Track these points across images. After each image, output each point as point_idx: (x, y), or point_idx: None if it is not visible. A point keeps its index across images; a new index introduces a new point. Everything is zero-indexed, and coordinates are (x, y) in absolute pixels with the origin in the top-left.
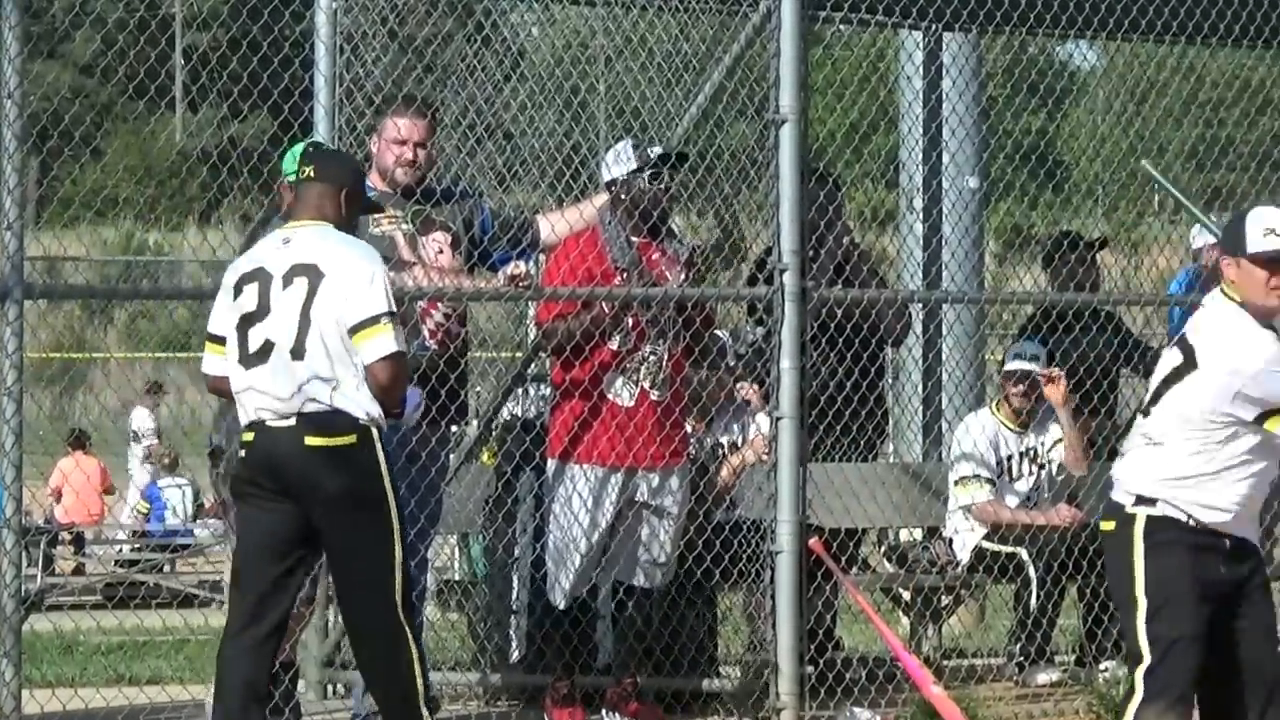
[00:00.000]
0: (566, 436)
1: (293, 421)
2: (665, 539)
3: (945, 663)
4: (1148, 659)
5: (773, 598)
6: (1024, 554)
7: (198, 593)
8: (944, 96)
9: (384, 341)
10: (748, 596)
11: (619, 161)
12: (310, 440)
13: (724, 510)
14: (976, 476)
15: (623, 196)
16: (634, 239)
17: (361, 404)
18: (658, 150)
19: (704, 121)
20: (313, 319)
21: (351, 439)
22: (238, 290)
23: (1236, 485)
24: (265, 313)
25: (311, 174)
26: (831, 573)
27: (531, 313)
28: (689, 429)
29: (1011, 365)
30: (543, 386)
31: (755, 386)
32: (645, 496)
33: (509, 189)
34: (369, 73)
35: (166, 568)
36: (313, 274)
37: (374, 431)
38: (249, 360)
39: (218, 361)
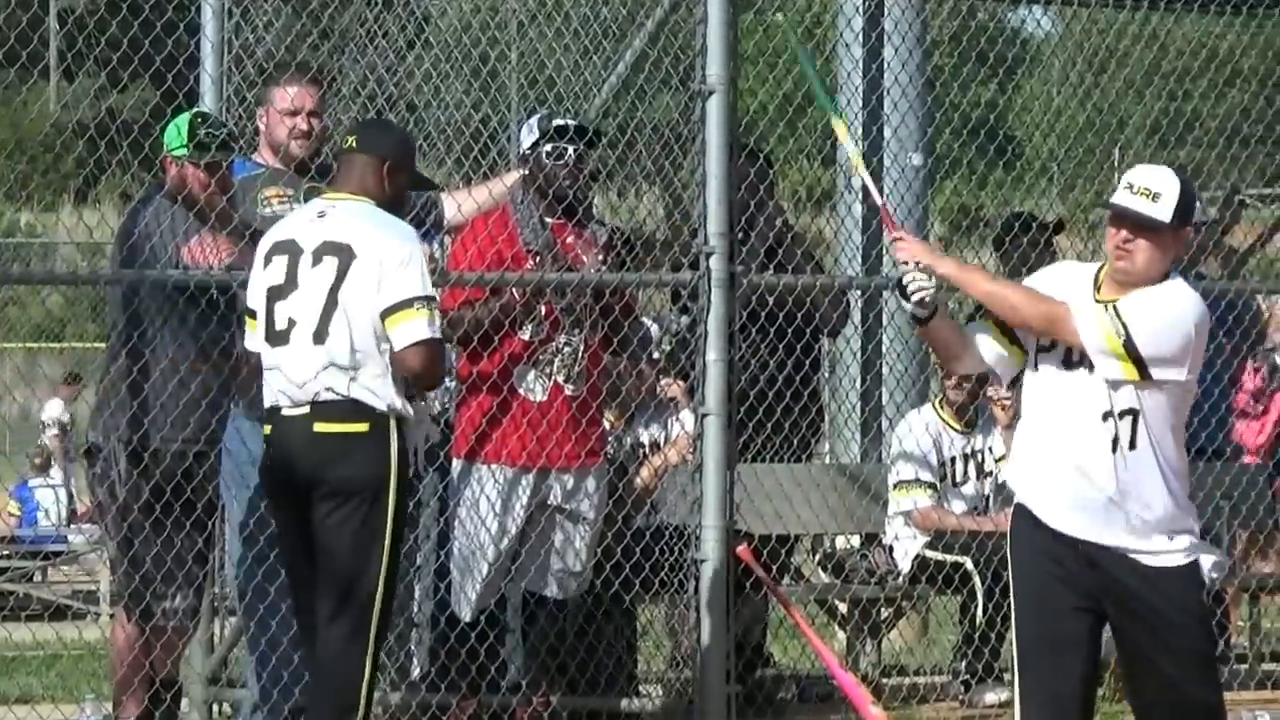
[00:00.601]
0: (473, 434)
1: (305, 409)
2: (580, 546)
3: (885, 681)
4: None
5: (697, 610)
6: (969, 563)
7: (71, 604)
8: (885, 66)
9: (417, 327)
10: (670, 609)
11: (529, 134)
12: (319, 427)
13: (644, 515)
14: (918, 479)
15: (535, 173)
16: (547, 219)
17: (383, 394)
18: (558, 121)
19: (624, 92)
20: (340, 302)
21: (363, 427)
22: (267, 260)
23: (1046, 460)
24: (292, 288)
25: (354, 144)
26: (761, 583)
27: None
28: (607, 426)
29: None
30: (448, 380)
31: (679, 381)
32: (559, 500)
33: None
34: (260, 38)
35: (37, 576)
36: (344, 254)
37: (392, 422)
38: (274, 338)
39: (253, 338)
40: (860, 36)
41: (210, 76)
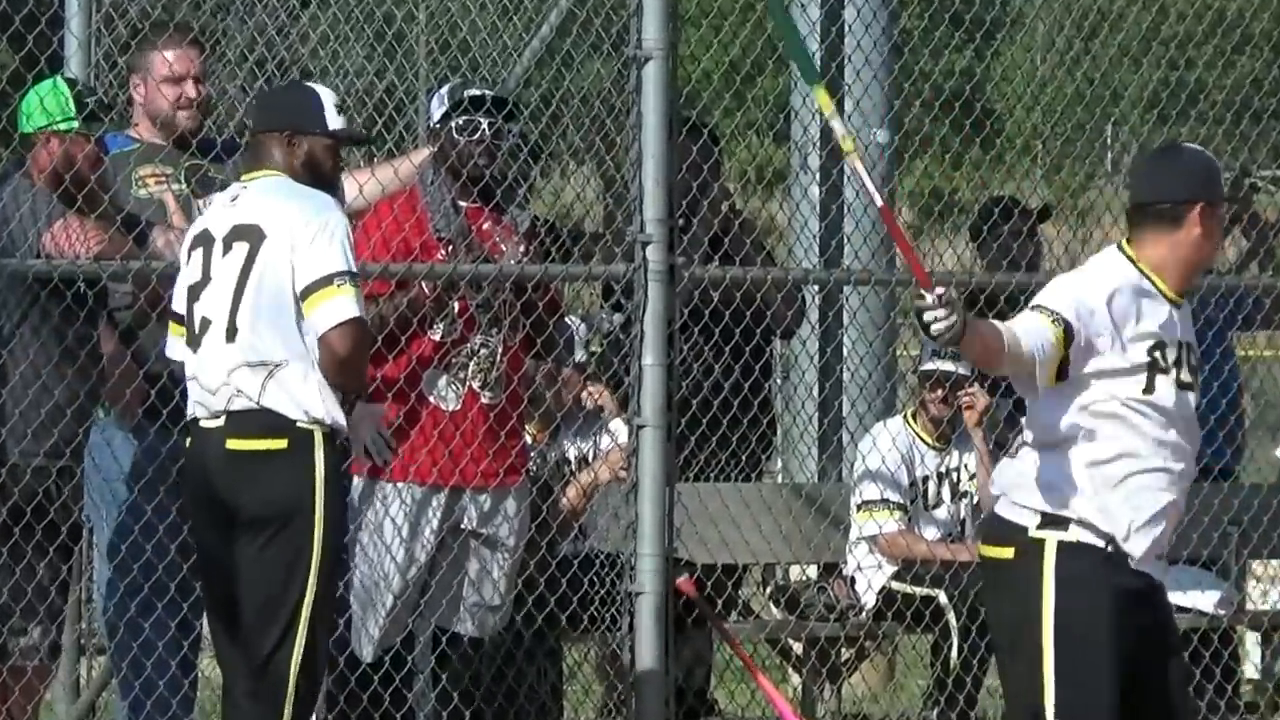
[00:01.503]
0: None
1: (220, 421)
2: (499, 576)
3: None
4: None
5: (631, 649)
6: (942, 597)
7: None
8: (847, 30)
9: (340, 305)
10: (601, 647)
11: (439, 105)
12: (232, 444)
13: (572, 541)
14: (885, 501)
15: (447, 151)
16: (461, 203)
17: (302, 400)
18: (472, 91)
19: (549, 59)
20: (247, 291)
21: (282, 443)
22: (188, 256)
23: (1146, 492)
24: (205, 284)
25: (252, 123)
26: (704, 619)
27: None
28: (528, 440)
29: (929, 365)
30: None
31: (608, 389)
32: (474, 523)
33: None
34: None
35: None
36: (254, 236)
37: (316, 435)
38: (193, 342)
39: (176, 345)
40: None
41: (77, 38)
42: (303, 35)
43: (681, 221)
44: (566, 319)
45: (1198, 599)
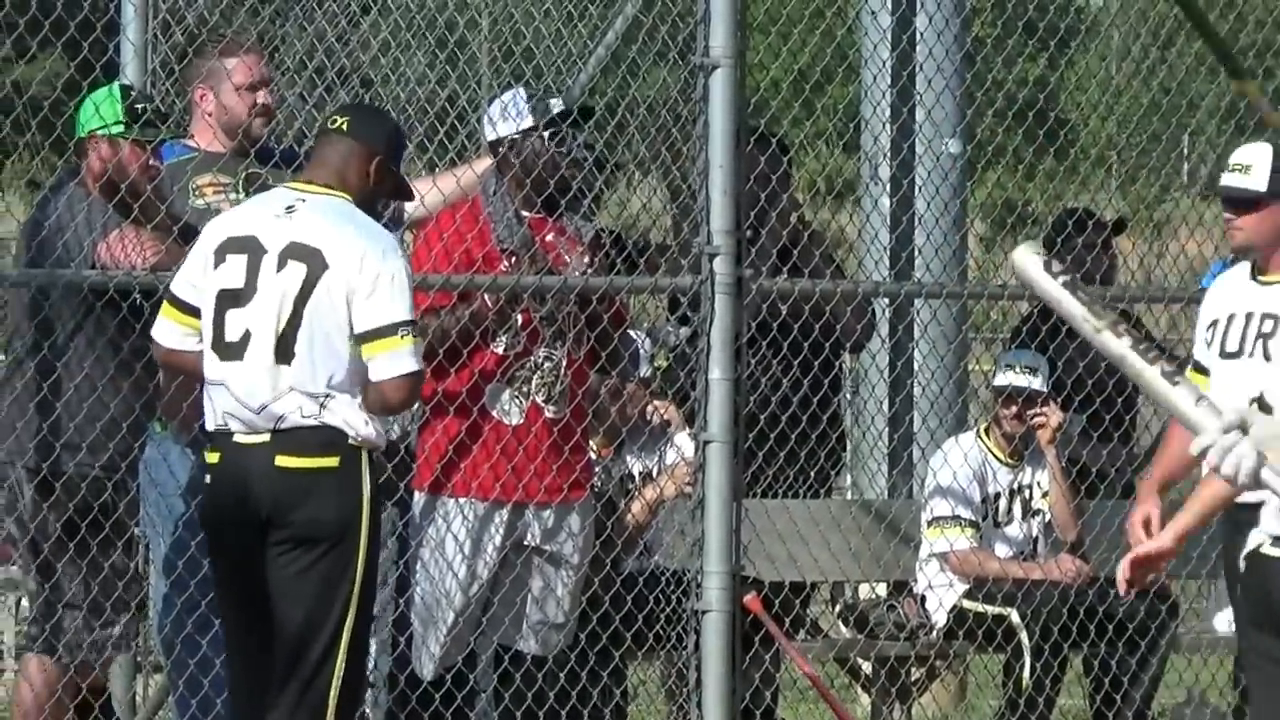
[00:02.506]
0: (439, 463)
1: (266, 437)
2: (562, 594)
3: None
4: None
5: (698, 668)
6: (1015, 616)
7: None
8: (918, 38)
9: (402, 357)
10: (666, 666)
11: (508, 116)
12: (282, 460)
13: (637, 558)
14: (956, 518)
15: (512, 160)
16: (524, 214)
17: (353, 421)
18: (559, 105)
19: (614, 67)
20: (306, 318)
21: (334, 461)
22: (220, 256)
23: None
24: (251, 295)
25: (345, 126)
26: (771, 638)
27: None
28: (593, 455)
29: (1002, 379)
30: None
31: (673, 404)
32: (537, 540)
33: None
34: (190, 2)
35: None
36: (315, 262)
37: (364, 456)
38: (225, 350)
39: (173, 331)
40: (888, 3)
41: (133, 45)
42: (363, 42)
43: (749, 233)
44: (631, 333)
45: None
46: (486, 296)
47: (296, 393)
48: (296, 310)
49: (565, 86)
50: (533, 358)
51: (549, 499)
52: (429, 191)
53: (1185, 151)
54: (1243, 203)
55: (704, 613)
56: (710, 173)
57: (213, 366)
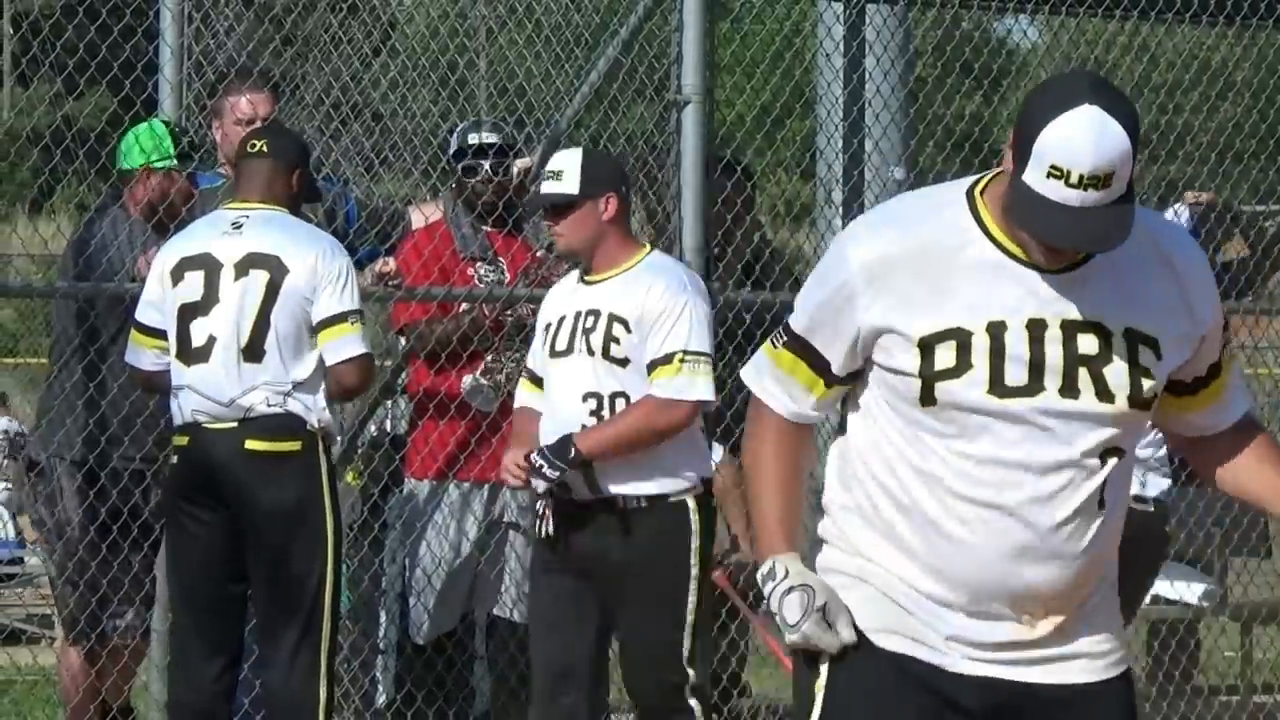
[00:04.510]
0: (440, 453)
1: (234, 424)
2: None
3: None
4: None
5: None
6: None
7: (26, 628)
8: (867, 76)
9: (351, 343)
10: None
11: (452, 142)
12: (251, 444)
13: None
14: None
15: (464, 181)
16: (480, 227)
17: (314, 408)
18: (473, 139)
19: (597, 102)
20: (274, 319)
21: (296, 445)
22: (177, 276)
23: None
24: (212, 304)
25: (264, 149)
26: (738, 610)
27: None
28: None
29: None
30: (400, 400)
31: None
32: (514, 515)
33: (378, 176)
34: (221, 44)
35: None
36: (275, 267)
37: (321, 440)
38: (190, 356)
39: (144, 355)
40: (841, 46)
41: (169, 83)
42: (374, 81)
43: (717, 250)
44: None
45: (1184, 592)
46: (483, 306)
47: (266, 386)
48: (263, 313)
49: (554, 120)
50: (506, 352)
51: None
52: (432, 214)
53: None
54: (559, 208)
55: None
56: (682, 197)
57: (179, 372)
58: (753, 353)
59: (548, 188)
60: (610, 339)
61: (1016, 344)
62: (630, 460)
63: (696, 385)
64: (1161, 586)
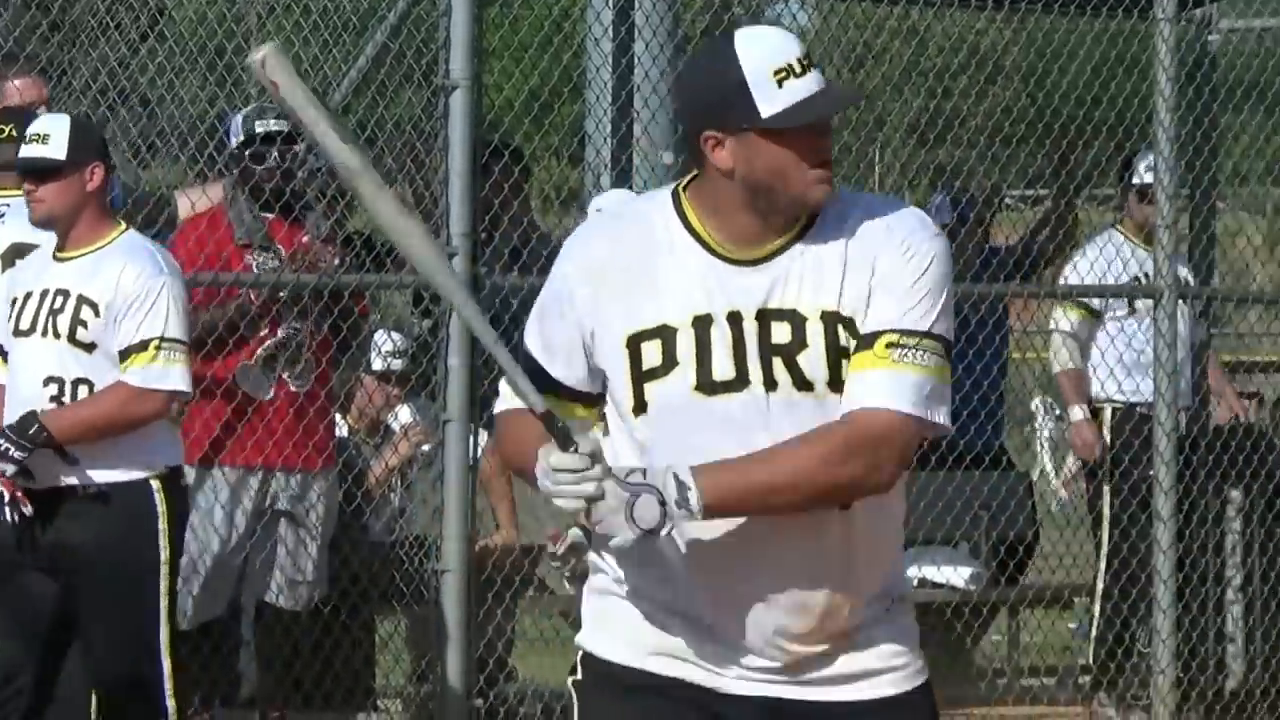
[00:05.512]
0: (208, 440)
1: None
2: (310, 552)
3: None
4: None
5: (438, 622)
6: None
7: None
8: (636, 61)
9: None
10: (410, 620)
11: (234, 133)
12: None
13: (384, 522)
14: None
15: (249, 168)
16: (260, 214)
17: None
18: (259, 127)
19: (366, 88)
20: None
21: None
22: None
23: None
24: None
25: (13, 134)
26: (504, 595)
27: None
28: (345, 432)
29: None
30: None
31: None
32: (286, 504)
33: (146, 162)
34: None
35: None
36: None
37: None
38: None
39: None
40: (610, 30)
41: None
42: (142, 66)
43: (485, 235)
44: (379, 332)
45: (951, 575)
46: (251, 293)
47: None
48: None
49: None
50: (278, 338)
51: (300, 466)
52: (199, 200)
53: (874, 162)
54: (42, 172)
55: (444, 572)
56: (450, 182)
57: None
58: (520, 339)
59: (32, 151)
60: (78, 322)
61: (719, 339)
62: (90, 447)
63: (172, 374)
64: (929, 570)
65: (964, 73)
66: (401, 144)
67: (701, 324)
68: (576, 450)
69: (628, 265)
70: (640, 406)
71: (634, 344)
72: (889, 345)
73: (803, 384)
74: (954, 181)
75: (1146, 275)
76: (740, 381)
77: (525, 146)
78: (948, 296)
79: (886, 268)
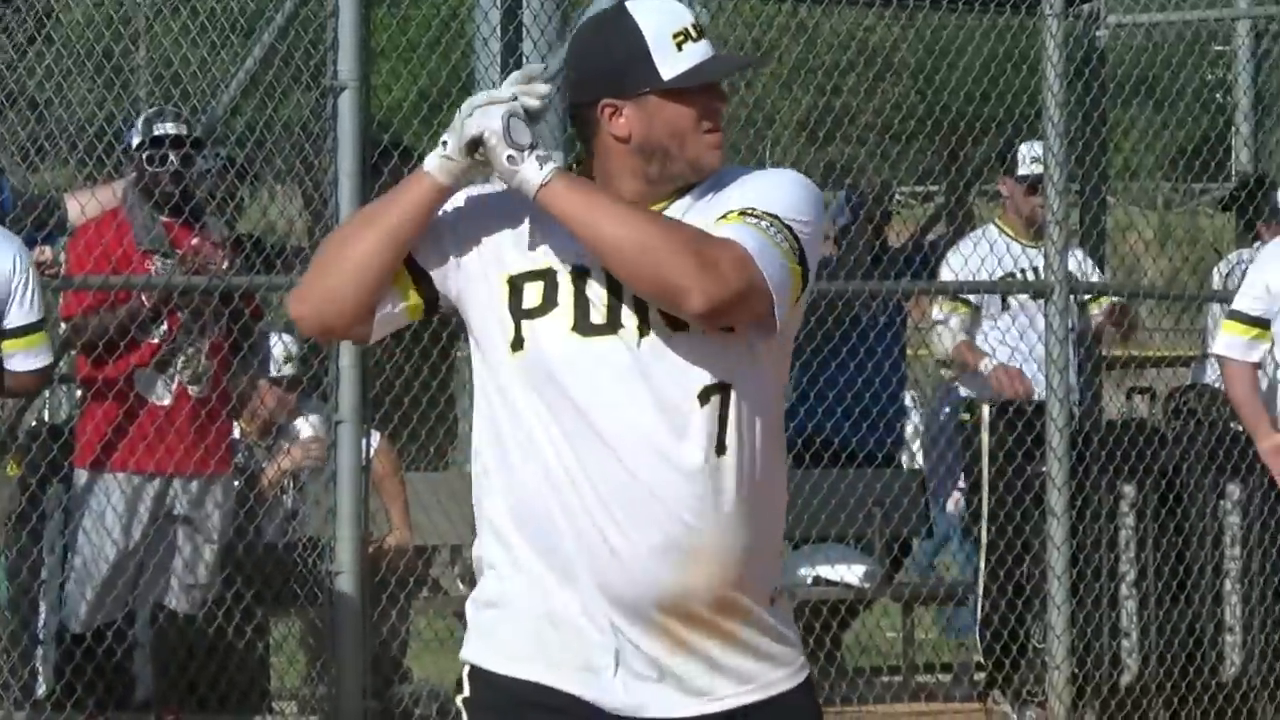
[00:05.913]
0: (99, 443)
1: None
2: (206, 558)
3: None
4: None
5: (332, 624)
6: None
7: None
8: (524, 60)
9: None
10: (304, 622)
11: (134, 135)
12: None
13: (277, 525)
14: None
15: (144, 170)
16: (158, 217)
17: None
18: (157, 130)
19: (254, 89)
20: None
21: None
22: None
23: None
24: None
25: None
26: (398, 596)
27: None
28: (238, 435)
29: None
30: (73, 387)
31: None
32: (183, 508)
33: (34, 165)
34: None
35: None
36: None
37: None
38: None
39: None
40: (498, 30)
41: None
42: (30, 69)
43: None
44: (271, 336)
45: (845, 573)
46: (143, 296)
47: None
48: None
49: (210, 107)
50: (178, 344)
51: (197, 471)
52: (89, 203)
53: (764, 160)
54: None
55: (337, 574)
56: (340, 182)
57: None
58: (411, 338)
59: None
60: None
61: (597, 287)
62: None
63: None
64: (822, 568)
65: (854, 70)
66: (291, 145)
67: (579, 274)
68: None
69: (515, 214)
70: (518, 342)
71: (516, 283)
72: (741, 213)
73: (677, 324)
74: (845, 179)
75: (1024, 271)
76: (612, 325)
77: (415, 146)
78: (808, 216)
79: (745, 186)
